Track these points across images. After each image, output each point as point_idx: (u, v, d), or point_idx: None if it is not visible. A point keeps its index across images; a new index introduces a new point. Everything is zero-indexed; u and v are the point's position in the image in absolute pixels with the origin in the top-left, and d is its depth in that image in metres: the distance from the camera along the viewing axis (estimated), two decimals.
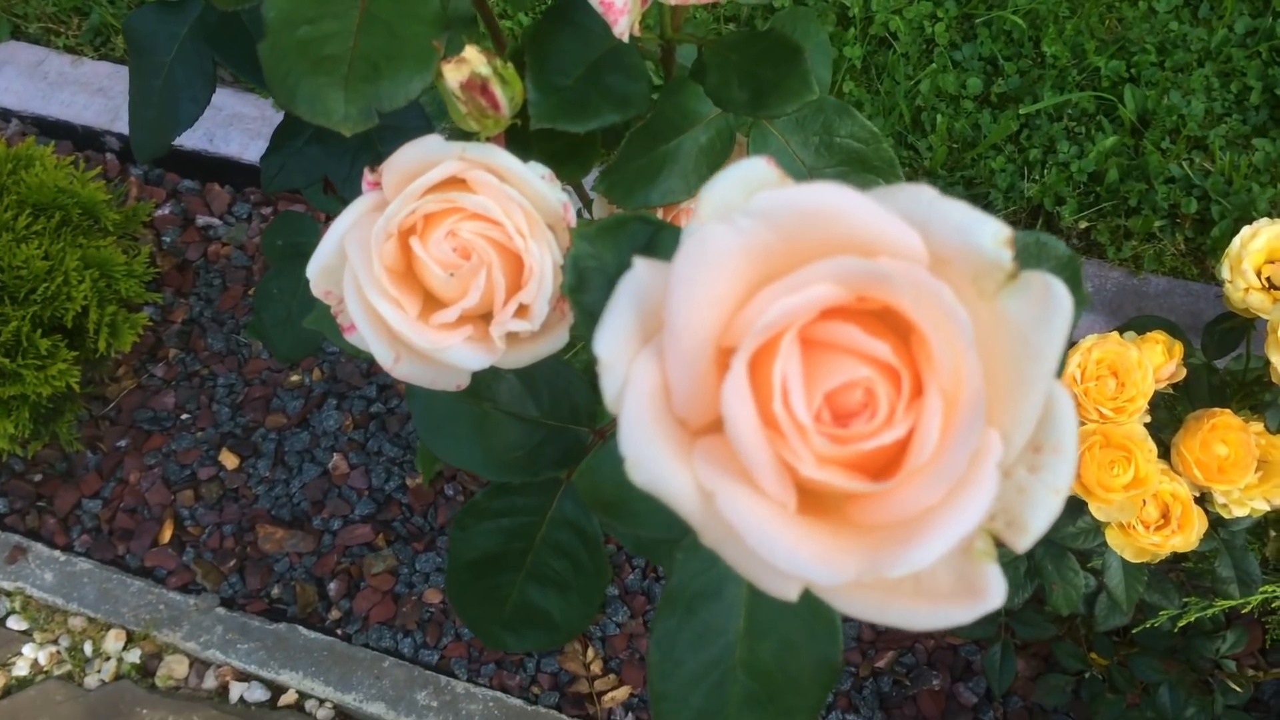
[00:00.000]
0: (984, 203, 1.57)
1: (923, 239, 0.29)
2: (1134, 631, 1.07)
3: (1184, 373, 0.85)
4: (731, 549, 0.29)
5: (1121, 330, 0.89)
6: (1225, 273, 0.85)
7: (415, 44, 0.49)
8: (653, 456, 0.29)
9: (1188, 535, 0.81)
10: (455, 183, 0.47)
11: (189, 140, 1.80)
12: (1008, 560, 1.00)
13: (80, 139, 1.86)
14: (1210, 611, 0.96)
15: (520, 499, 0.59)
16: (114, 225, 1.50)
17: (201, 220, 1.76)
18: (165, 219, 1.76)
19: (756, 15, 1.69)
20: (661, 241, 0.47)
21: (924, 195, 0.30)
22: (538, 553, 0.60)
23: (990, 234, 0.29)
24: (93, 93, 1.87)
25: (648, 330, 0.30)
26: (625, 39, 0.47)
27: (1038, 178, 1.56)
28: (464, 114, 0.44)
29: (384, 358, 0.47)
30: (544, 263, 0.46)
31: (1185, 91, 1.60)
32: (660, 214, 0.63)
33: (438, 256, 0.46)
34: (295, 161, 0.85)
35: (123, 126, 1.83)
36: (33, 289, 1.36)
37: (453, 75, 0.43)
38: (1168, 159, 1.55)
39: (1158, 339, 0.84)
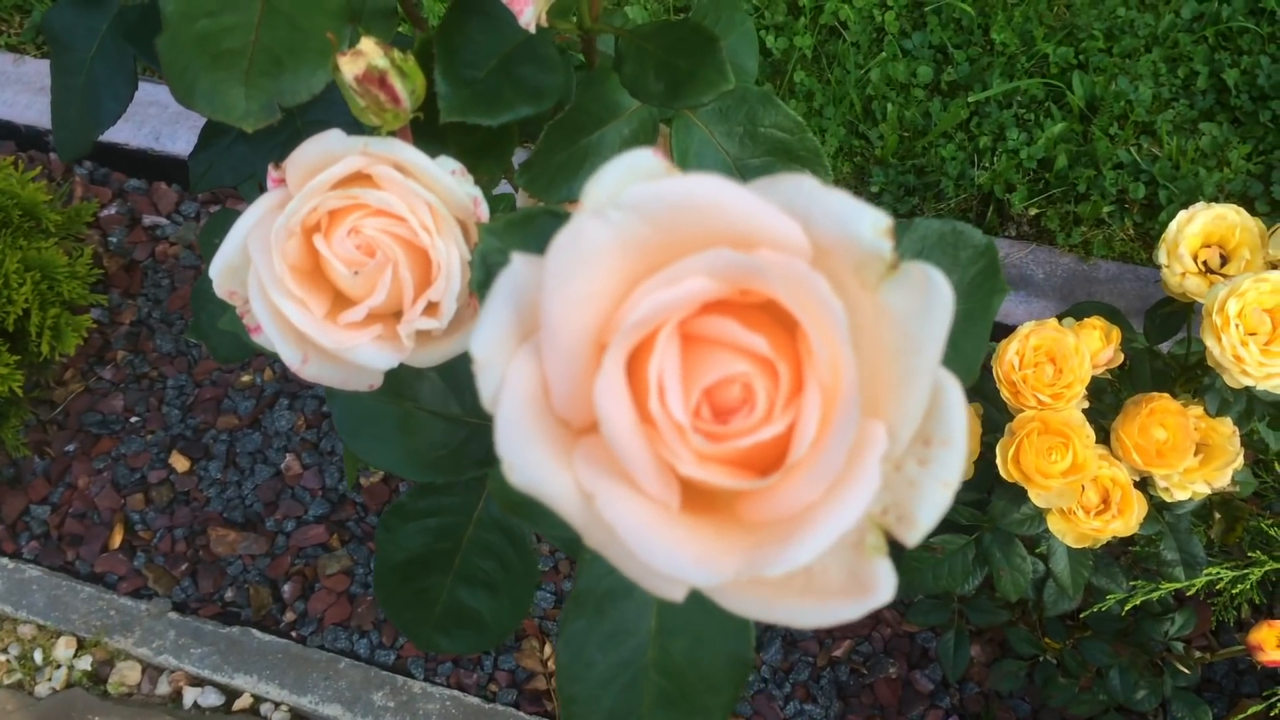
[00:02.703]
0: (935, 191, 1.57)
1: (805, 230, 0.29)
2: (1084, 615, 1.07)
3: (1122, 358, 0.85)
4: (614, 551, 0.28)
5: (1061, 317, 0.89)
6: (1162, 257, 0.85)
7: (319, 37, 0.48)
8: (530, 458, 0.28)
9: (1127, 519, 0.81)
10: (360, 178, 0.46)
11: (135, 139, 1.77)
12: (956, 547, 1.00)
13: (23, 139, 1.82)
14: (1157, 594, 0.97)
15: (446, 499, 0.58)
16: (55, 226, 1.47)
17: (148, 220, 1.74)
18: (111, 219, 1.73)
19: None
20: None
21: (805, 186, 0.29)
22: (466, 553, 0.59)
23: (869, 224, 0.28)
24: (35, 91, 1.84)
25: (526, 328, 0.29)
26: (531, 29, 0.47)
27: (988, 165, 1.56)
28: (363, 107, 0.43)
29: (291, 358, 0.46)
30: (451, 259, 0.45)
31: (1133, 77, 1.61)
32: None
33: (341, 254, 0.45)
34: (223, 160, 0.83)
35: None
36: None
37: (349, 68, 0.42)
38: (1116, 145, 1.56)
39: (1095, 325, 0.84)
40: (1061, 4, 1.70)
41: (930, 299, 0.28)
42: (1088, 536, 0.81)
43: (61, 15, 0.77)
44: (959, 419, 0.29)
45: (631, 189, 0.27)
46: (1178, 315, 0.94)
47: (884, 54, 1.66)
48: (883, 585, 0.28)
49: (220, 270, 0.46)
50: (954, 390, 0.30)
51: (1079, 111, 1.60)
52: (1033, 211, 1.54)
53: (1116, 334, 0.84)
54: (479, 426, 0.57)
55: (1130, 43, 1.64)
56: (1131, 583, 1.01)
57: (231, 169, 0.84)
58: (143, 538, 1.50)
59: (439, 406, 0.57)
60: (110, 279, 1.67)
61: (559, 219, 0.46)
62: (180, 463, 1.54)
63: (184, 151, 1.75)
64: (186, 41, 0.47)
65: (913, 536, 0.29)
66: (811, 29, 1.69)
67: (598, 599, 0.39)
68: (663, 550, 0.26)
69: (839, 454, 0.26)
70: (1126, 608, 0.97)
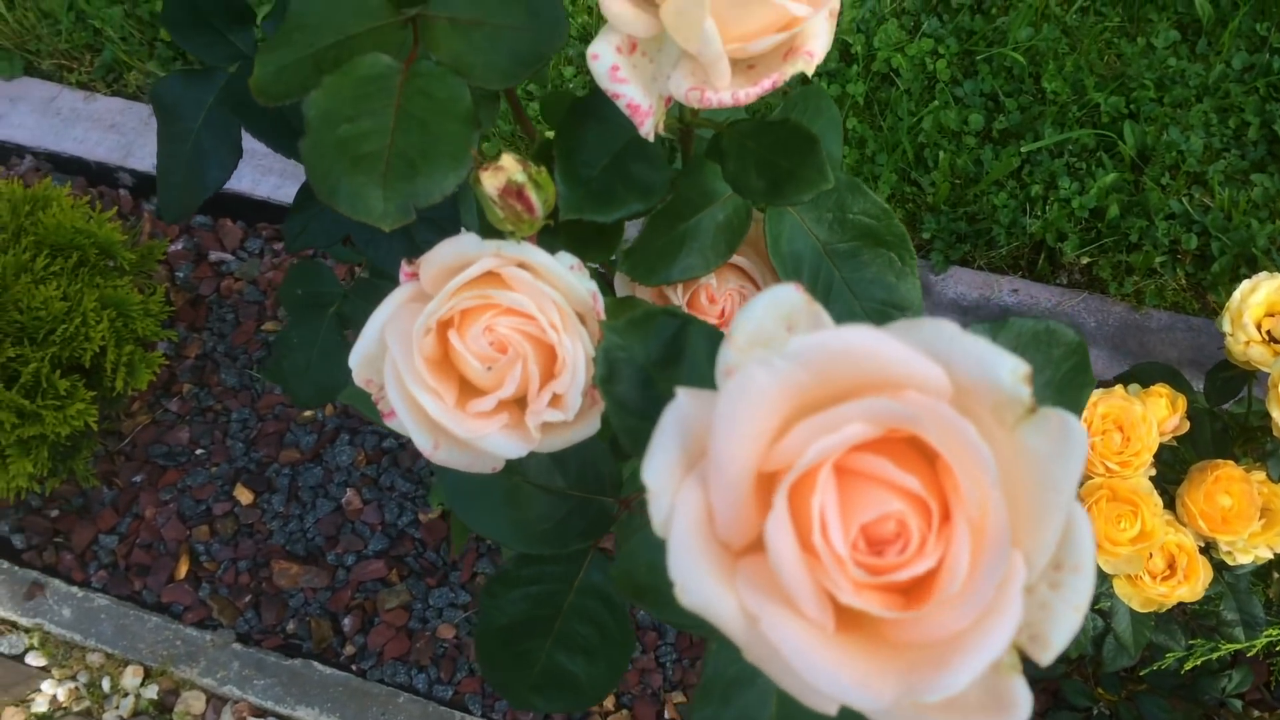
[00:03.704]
0: (987, 238, 1.59)
1: (945, 371, 0.31)
2: (1141, 673, 1.09)
3: (1187, 426, 0.87)
4: (775, 667, 0.31)
5: (1125, 381, 0.91)
6: (1226, 326, 0.87)
7: (449, 141, 0.51)
8: (700, 581, 0.31)
9: (1193, 585, 0.83)
10: (490, 276, 0.49)
11: None
12: None
13: (93, 175, 1.88)
14: (1216, 654, 0.98)
15: (549, 567, 0.61)
16: (130, 264, 1.52)
17: (214, 255, 1.78)
18: (178, 254, 1.78)
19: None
20: (688, 336, 0.49)
21: (945, 331, 0.32)
22: (566, 619, 0.61)
23: (1009, 370, 0.31)
24: (105, 129, 1.90)
25: (691, 458, 0.32)
26: (651, 138, 0.50)
27: (1039, 214, 1.58)
28: (501, 218, 0.47)
29: (423, 444, 0.49)
30: (577, 356, 0.48)
31: (1184, 127, 1.62)
32: (679, 289, 0.65)
33: (476, 351, 0.48)
34: (317, 223, 0.87)
35: (135, 163, 1.86)
36: (51, 330, 1.38)
37: (490, 182, 0.45)
38: (1167, 195, 1.57)
39: (1161, 393, 0.86)
40: (1112, 54, 1.72)
41: (1068, 443, 0.30)
42: (1154, 601, 0.83)
43: (171, 87, 0.81)
44: (1088, 546, 0.32)
45: (794, 341, 0.30)
46: (1239, 379, 0.95)
47: (936, 102, 1.68)
48: (1021, 702, 0.30)
49: (359, 361, 0.49)
50: (1083, 519, 0.32)
51: (1130, 161, 1.61)
52: (1085, 260, 1.56)
53: (1182, 402, 0.86)
54: (582, 500, 0.60)
55: (1181, 93, 1.65)
56: (1190, 641, 1.02)
57: (324, 231, 0.87)
58: (208, 569, 1.54)
59: (545, 480, 0.60)
60: (177, 313, 1.72)
61: (676, 318, 0.49)
62: (244, 495, 1.58)
63: (248, 190, 1.80)
64: (328, 146, 0.50)
65: (1046, 656, 0.32)
66: (864, 76, 1.72)
67: (723, 687, 0.42)
68: (825, 672, 0.29)
69: (989, 588, 0.29)
70: (1186, 667, 0.98)
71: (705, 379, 0.49)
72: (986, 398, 0.31)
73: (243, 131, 0.83)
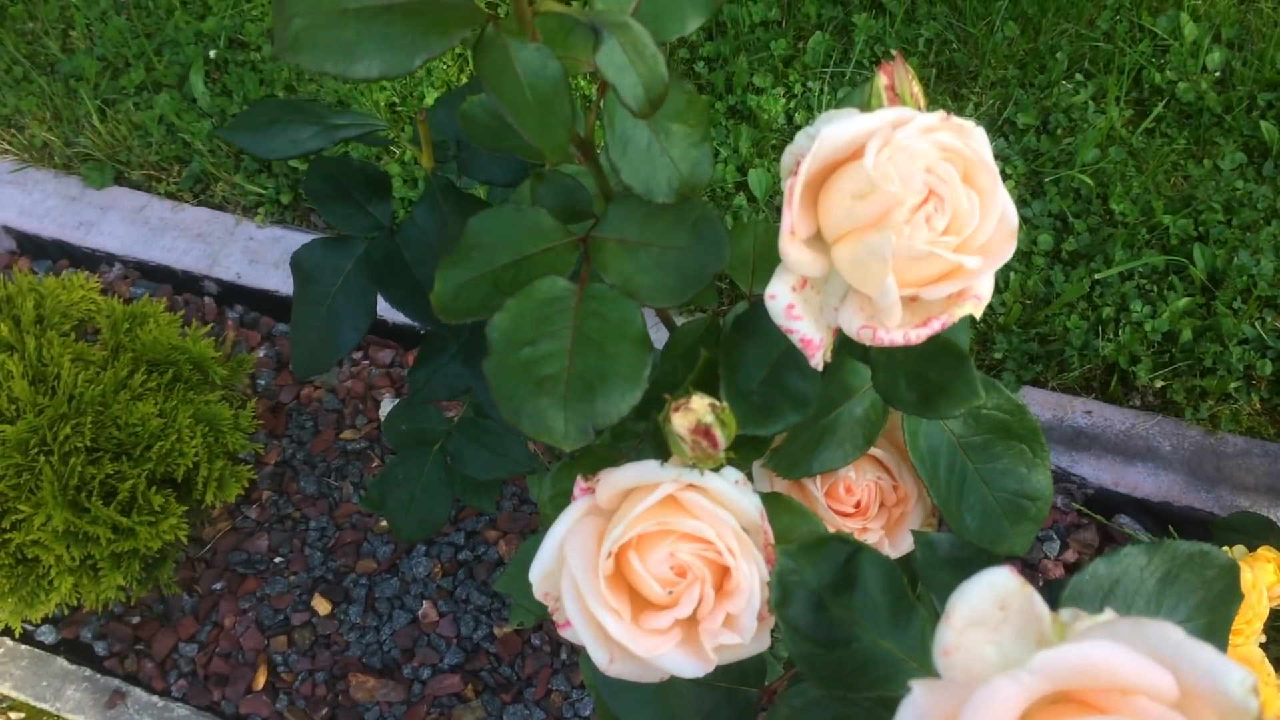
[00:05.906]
0: (1059, 360, 1.61)
1: (1173, 675, 0.33)
2: None
3: None
4: None
5: (1222, 530, 0.92)
6: None
7: (625, 363, 0.54)
8: None
9: None
10: (668, 500, 0.51)
11: (284, 287, 1.88)
12: None
13: (180, 283, 1.95)
14: None
15: None
16: (221, 380, 1.57)
17: None
18: (261, 362, 1.83)
19: None
20: (859, 563, 0.51)
21: (1172, 637, 0.34)
22: None
23: (1237, 681, 0.33)
24: (192, 238, 1.96)
25: None
26: (820, 367, 0.52)
27: (1112, 336, 1.60)
28: (689, 455, 0.49)
29: (600, 659, 0.51)
30: (753, 580, 0.50)
31: (1254, 250, 1.64)
32: (818, 480, 0.68)
33: (657, 575, 0.50)
34: (440, 377, 0.91)
35: (220, 271, 1.92)
36: (148, 446, 1.42)
37: (681, 422, 0.48)
38: (1240, 319, 1.59)
39: (1269, 557, 0.87)
40: (1179, 176, 1.75)
41: None
42: None
43: (311, 253, 0.85)
44: None
45: (1040, 657, 0.32)
46: None
47: None
48: None
49: (539, 576, 0.52)
50: None
51: (1201, 284, 1.63)
52: (1158, 384, 1.57)
53: None
54: (729, 691, 0.62)
55: (1249, 215, 1.67)
56: None
57: (446, 385, 0.91)
58: (285, 680, 1.56)
59: None
60: (261, 423, 1.76)
61: (848, 545, 0.51)
62: (322, 605, 1.61)
63: None
64: (511, 368, 0.53)
65: None
66: None
67: None
68: None
69: None
70: None
71: (878, 607, 0.51)
72: (1214, 705, 0.33)
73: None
